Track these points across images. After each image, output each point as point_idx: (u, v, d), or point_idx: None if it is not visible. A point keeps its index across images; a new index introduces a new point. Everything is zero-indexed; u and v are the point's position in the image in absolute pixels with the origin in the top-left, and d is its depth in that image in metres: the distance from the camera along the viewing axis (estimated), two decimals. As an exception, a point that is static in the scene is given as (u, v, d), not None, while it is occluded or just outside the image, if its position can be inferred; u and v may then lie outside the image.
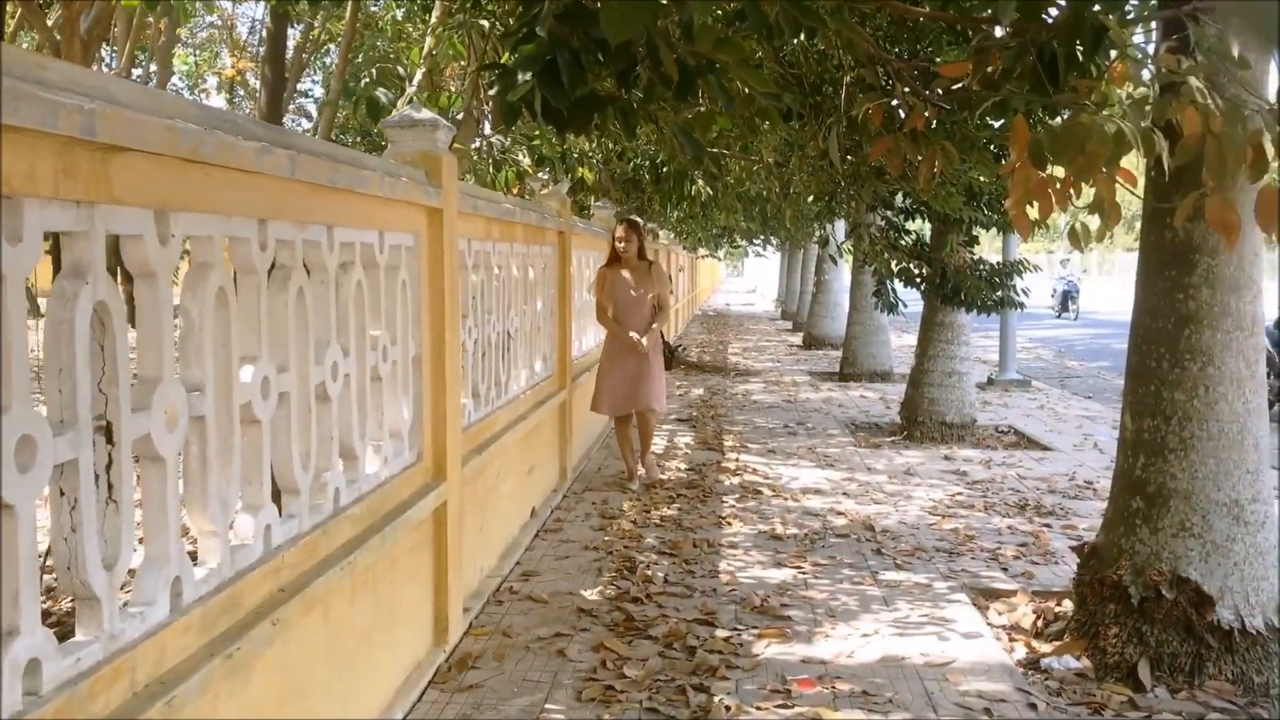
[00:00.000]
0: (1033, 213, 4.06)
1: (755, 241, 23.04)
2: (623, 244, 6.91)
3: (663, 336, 7.22)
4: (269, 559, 2.69)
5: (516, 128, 6.47)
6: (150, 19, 11.88)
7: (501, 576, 5.13)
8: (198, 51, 21.89)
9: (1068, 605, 4.77)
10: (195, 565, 2.44)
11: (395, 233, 3.73)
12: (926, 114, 3.78)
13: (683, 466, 7.95)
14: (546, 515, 6.37)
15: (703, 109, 3.58)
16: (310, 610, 2.88)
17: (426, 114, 4.07)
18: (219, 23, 19.15)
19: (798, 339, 20.81)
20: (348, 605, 3.22)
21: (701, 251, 24.15)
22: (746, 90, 3.16)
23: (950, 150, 3.70)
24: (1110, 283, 60.54)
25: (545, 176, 6.92)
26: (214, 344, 2.49)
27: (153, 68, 16.79)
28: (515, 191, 7.48)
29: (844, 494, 7.11)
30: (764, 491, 7.11)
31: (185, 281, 2.43)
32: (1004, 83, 3.61)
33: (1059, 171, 3.65)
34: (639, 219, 7.10)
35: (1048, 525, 6.28)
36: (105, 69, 18.52)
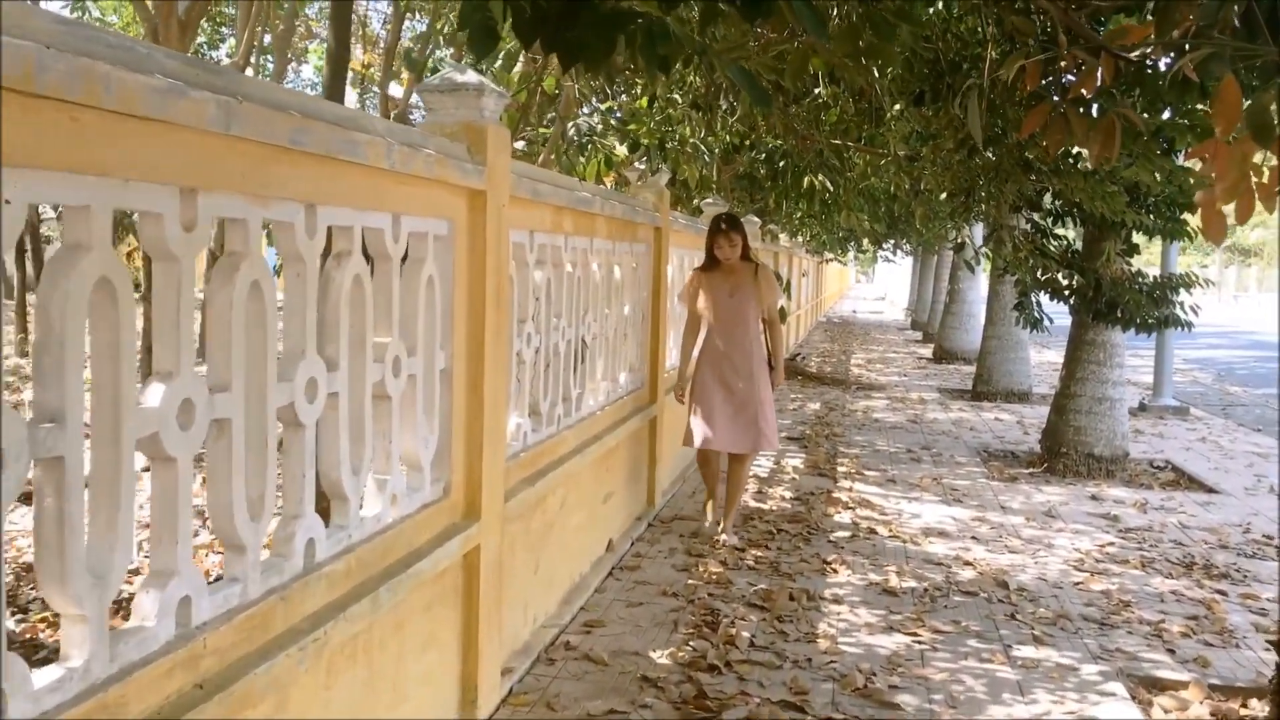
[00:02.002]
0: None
1: (885, 245, 21.85)
2: (721, 250, 5.63)
3: (770, 358, 5.87)
4: (182, 644, 2.00)
5: (610, 110, 5.74)
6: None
7: (560, 626, 4.39)
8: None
9: (1257, 708, 3.80)
10: (58, 663, 1.78)
11: (418, 218, 3.03)
12: (1100, 75, 2.87)
13: (787, 495, 7.09)
14: (625, 549, 5.62)
15: (796, 44, 2.76)
16: (249, 706, 2.18)
17: (471, 76, 3.36)
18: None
19: (928, 351, 19.58)
20: (318, 689, 2.51)
21: (827, 255, 23.04)
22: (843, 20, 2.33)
23: (1133, 119, 2.80)
24: (1272, 300, 56.71)
25: (642, 166, 6.17)
26: (93, 356, 1.82)
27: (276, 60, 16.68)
28: (611, 182, 6.76)
29: (973, 538, 6.15)
30: (879, 531, 6.20)
31: (45, 271, 1.75)
32: (1201, 38, 2.71)
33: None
34: (740, 217, 6.13)
35: (1222, 592, 5.22)
36: (226, 59, 18.42)
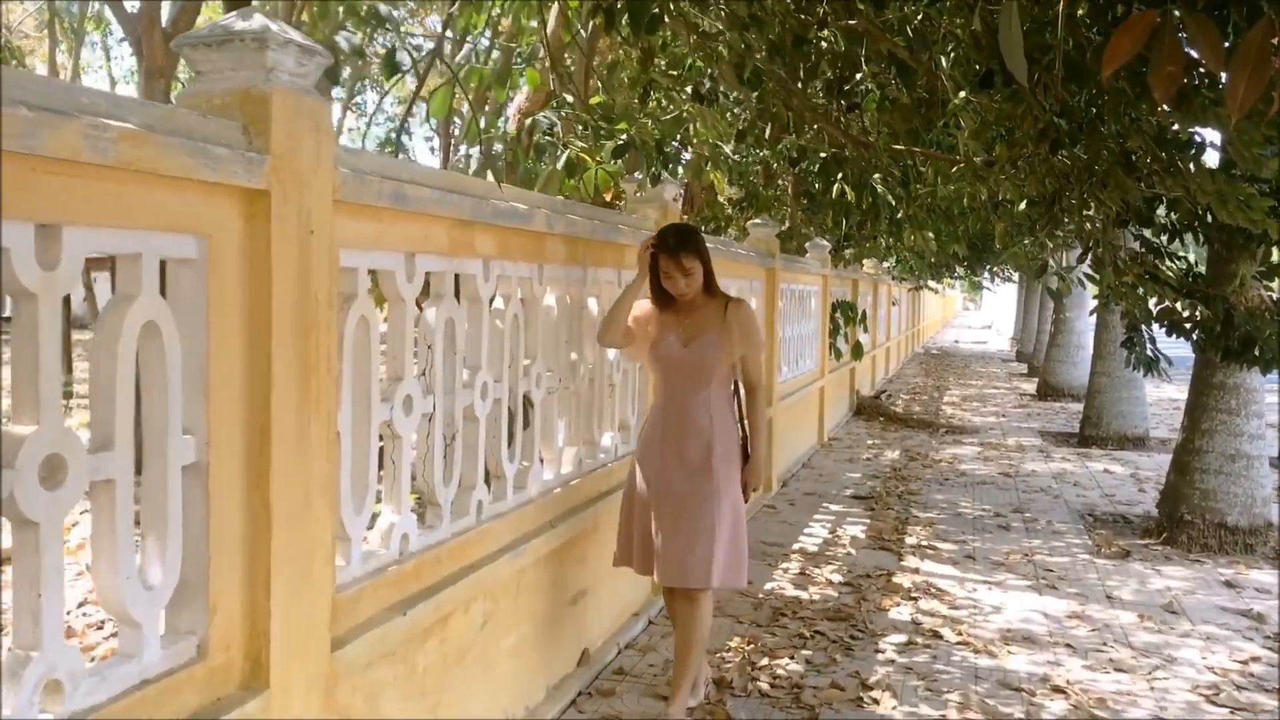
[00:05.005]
0: None
1: (978, 270, 20.14)
2: (671, 280, 3.72)
3: (742, 429, 3.89)
4: None
5: (595, 107, 4.58)
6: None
7: (471, 795, 3.20)
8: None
9: None
10: None
11: (119, 230, 1.91)
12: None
13: (836, 578, 5.76)
14: (608, 660, 4.40)
15: None
16: None
17: (254, 21, 2.24)
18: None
19: (1032, 386, 17.84)
20: None
21: (920, 282, 21.36)
22: None
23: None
24: None
25: (640, 176, 4.98)
26: None
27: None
28: (610, 197, 5.60)
29: (1067, 645, 4.75)
30: (945, 635, 4.84)
31: None
32: None
33: None
34: (697, 227, 4.22)
35: None
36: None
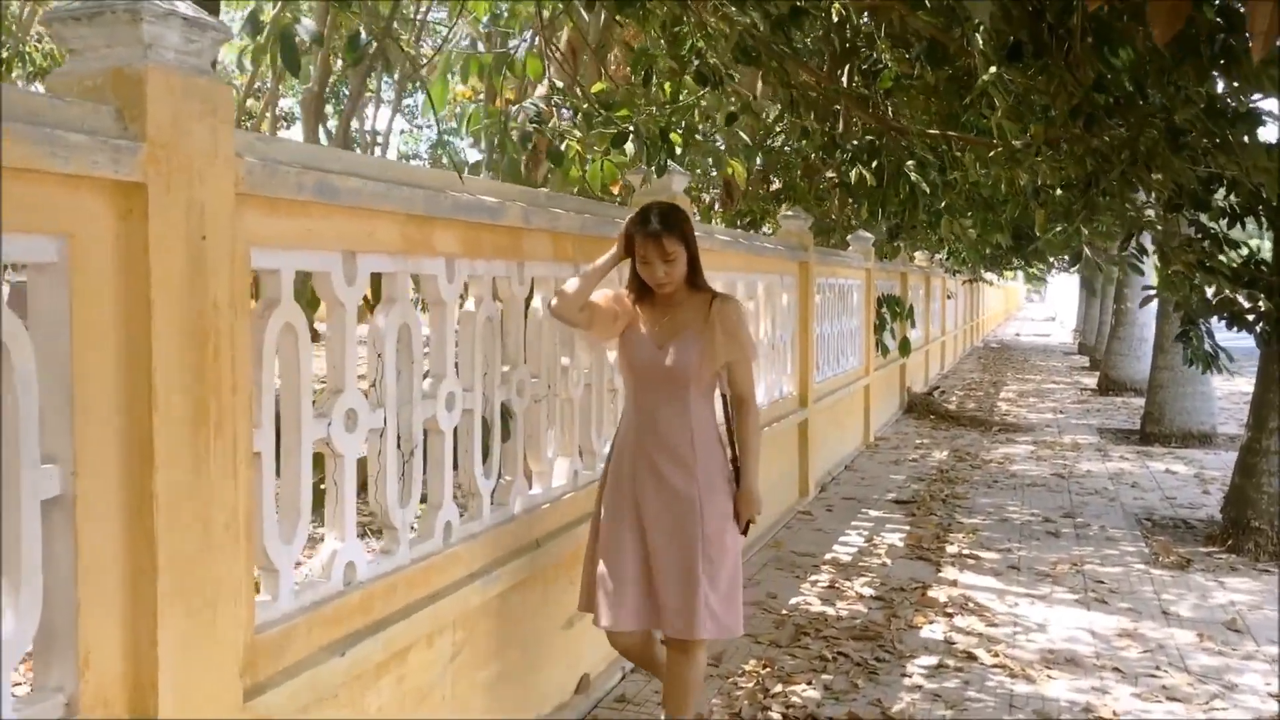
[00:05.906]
0: None
1: (1034, 261, 19.41)
2: (650, 267, 3.19)
3: (731, 448, 3.32)
4: None
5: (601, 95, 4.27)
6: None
7: (435, 846, 2.91)
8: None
9: None
10: None
11: (-63, 231, 1.65)
12: None
13: (867, 592, 5.39)
14: (612, 682, 4.09)
15: None
16: None
17: (131, -7, 1.97)
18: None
19: (1093, 381, 17.17)
20: None
21: (978, 274, 20.70)
22: None
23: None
24: None
25: (645, 169, 4.66)
26: None
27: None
28: (616, 191, 5.30)
29: (1115, 668, 4.35)
30: (980, 656, 4.46)
31: None
32: None
33: None
34: (681, 208, 3.39)
35: None
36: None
